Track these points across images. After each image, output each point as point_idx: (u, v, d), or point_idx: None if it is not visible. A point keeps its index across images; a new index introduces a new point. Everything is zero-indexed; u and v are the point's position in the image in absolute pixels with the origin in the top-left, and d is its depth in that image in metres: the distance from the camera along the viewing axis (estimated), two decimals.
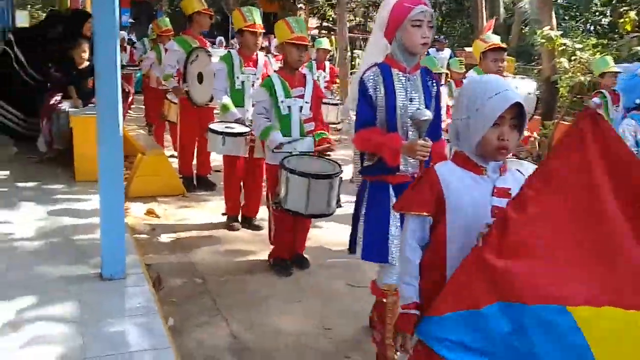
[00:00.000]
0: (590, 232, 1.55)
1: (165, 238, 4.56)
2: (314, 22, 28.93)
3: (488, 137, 1.73)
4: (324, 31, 31.41)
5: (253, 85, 4.71)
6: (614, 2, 17.28)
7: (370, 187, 2.79)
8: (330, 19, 25.93)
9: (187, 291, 3.64)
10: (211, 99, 5.31)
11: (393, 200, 2.70)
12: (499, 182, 1.81)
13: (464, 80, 7.54)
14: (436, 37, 15.08)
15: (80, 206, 4.62)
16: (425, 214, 1.82)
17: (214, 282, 3.79)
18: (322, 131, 4.08)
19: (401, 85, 2.68)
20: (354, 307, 3.54)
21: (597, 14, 18.50)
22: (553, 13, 7.28)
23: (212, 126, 4.52)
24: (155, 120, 7.62)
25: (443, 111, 3.94)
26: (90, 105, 5.90)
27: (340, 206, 3.74)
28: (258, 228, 4.83)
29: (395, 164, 2.62)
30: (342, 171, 3.72)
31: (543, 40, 6.80)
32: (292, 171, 3.52)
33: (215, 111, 5.74)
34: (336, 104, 7.85)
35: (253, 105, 4.52)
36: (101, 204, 3.29)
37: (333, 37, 17.13)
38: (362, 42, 19.15)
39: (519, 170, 1.91)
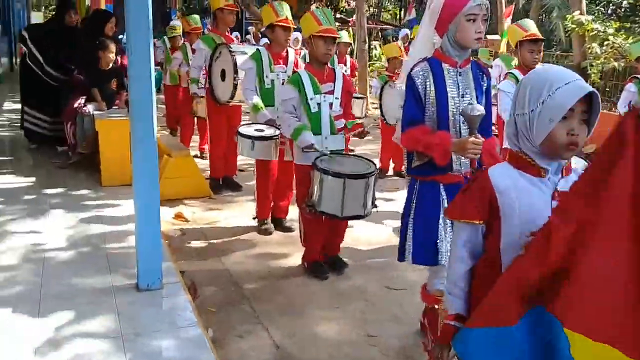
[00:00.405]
0: None
1: (196, 243, 4.47)
2: None
3: (556, 133, 1.56)
4: (337, 23, 31.24)
5: (283, 83, 4.59)
6: None
7: (420, 188, 2.70)
8: (344, 10, 25.66)
9: (224, 299, 3.55)
10: (232, 97, 5.19)
11: (444, 201, 2.62)
12: (562, 184, 1.66)
13: (493, 69, 7.35)
14: None
15: (110, 213, 4.56)
16: (477, 222, 1.68)
17: (250, 289, 3.70)
18: (353, 120, 3.98)
19: (452, 81, 2.59)
20: (395, 312, 3.42)
21: None
22: (584, 3, 7.03)
23: (241, 130, 4.39)
24: (186, 117, 7.53)
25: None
26: (114, 107, 5.84)
27: (376, 206, 3.62)
28: (289, 229, 4.72)
29: (444, 163, 2.53)
30: (377, 169, 3.60)
31: (574, 26, 6.57)
32: (325, 171, 3.39)
33: (244, 108, 5.65)
34: (360, 98, 7.70)
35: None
36: (136, 210, 3.20)
37: (350, 29, 16.95)
38: (378, 33, 18.92)
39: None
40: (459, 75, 2.61)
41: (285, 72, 4.64)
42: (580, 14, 6.75)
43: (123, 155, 5.36)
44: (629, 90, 5.96)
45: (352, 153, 3.95)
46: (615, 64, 6.22)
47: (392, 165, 6.90)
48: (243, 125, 4.53)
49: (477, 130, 2.43)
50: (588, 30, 6.55)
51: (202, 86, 5.85)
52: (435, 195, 2.64)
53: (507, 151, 4.45)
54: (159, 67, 11.38)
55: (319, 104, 3.76)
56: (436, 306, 2.68)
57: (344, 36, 8.76)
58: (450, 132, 2.57)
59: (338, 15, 28.55)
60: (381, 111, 6.55)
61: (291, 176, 4.63)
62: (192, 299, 3.29)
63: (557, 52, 11.93)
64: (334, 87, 3.82)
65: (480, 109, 2.37)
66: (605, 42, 6.32)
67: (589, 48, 6.62)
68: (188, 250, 4.31)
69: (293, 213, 4.81)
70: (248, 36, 19.37)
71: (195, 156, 7.36)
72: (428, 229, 2.62)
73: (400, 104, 5.74)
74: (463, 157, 2.57)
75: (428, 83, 2.56)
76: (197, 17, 7.97)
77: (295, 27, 4.67)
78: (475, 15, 2.49)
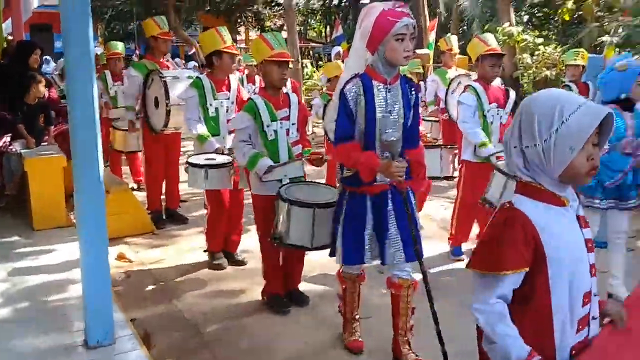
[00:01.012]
0: None
1: (144, 285, 4.17)
2: (253, 33, 28.70)
3: (577, 161, 1.47)
4: None
5: (227, 110, 4.39)
6: None
7: (349, 198, 2.91)
8: (270, 29, 25.72)
9: (182, 347, 3.29)
10: (166, 124, 4.95)
11: (369, 213, 2.87)
12: (580, 209, 1.60)
13: (429, 84, 7.42)
14: None
15: (47, 260, 4.19)
16: (525, 269, 1.50)
17: (209, 332, 3.46)
18: (310, 148, 3.86)
19: (381, 97, 2.72)
20: (368, 344, 3.27)
21: (532, 6, 18.96)
22: (512, 10, 7.25)
23: (191, 160, 4.13)
24: (108, 155, 7.16)
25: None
26: (43, 144, 5.45)
27: None
28: (241, 263, 4.51)
29: (369, 180, 2.72)
30: None
31: (505, 37, 6.74)
32: (293, 202, 3.23)
33: (183, 137, 5.41)
34: None
35: (230, 133, 4.22)
36: (82, 258, 2.92)
37: None
38: (309, 52, 19.00)
39: None
40: (388, 92, 2.74)
41: (229, 98, 4.46)
42: (510, 25, 6.92)
43: (56, 195, 5.02)
44: None
45: (311, 181, 3.78)
46: (548, 72, 6.42)
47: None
48: (192, 155, 4.28)
49: (405, 140, 2.73)
50: (518, 42, 6.73)
51: (139, 115, 5.58)
52: (362, 207, 2.86)
53: (464, 163, 4.43)
54: None
55: (275, 131, 3.61)
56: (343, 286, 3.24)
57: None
58: (377, 151, 2.75)
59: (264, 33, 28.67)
60: (325, 130, 6.45)
61: (241, 208, 4.44)
62: (147, 352, 3.02)
63: None
64: (290, 112, 3.68)
65: (395, 136, 2.58)
66: (536, 52, 6.52)
67: (520, 59, 6.80)
68: (136, 295, 4.01)
69: (243, 245, 4.61)
70: (177, 60, 19.03)
71: (132, 189, 7.03)
72: (356, 239, 2.88)
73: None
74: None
75: (359, 99, 2.70)
76: (117, 43, 7.64)
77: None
78: (403, 35, 2.62)
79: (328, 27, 32.22)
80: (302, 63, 14.18)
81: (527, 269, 1.50)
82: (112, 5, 18.25)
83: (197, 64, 15.09)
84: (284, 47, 3.61)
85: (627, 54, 3.80)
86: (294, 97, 3.77)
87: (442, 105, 7.15)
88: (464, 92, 4.46)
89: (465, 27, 19.19)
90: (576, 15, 14.54)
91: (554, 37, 15.96)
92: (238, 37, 27.42)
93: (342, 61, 12.19)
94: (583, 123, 1.44)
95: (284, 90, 3.76)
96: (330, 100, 6.33)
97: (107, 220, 4.96)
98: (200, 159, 4.15)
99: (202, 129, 4.30)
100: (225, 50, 4.31)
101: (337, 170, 3.08)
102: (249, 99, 3.78)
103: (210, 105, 4.35)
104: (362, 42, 2.72)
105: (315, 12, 33.10)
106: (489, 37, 4.53)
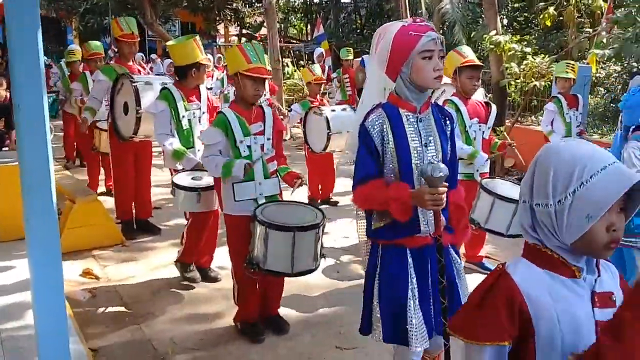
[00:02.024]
0: None
1: (110, 307, 3.86)
2: (233, 29, 28.27)
3: (594, 231, 1.23)
4: (244, 38, 30.81)
5: (200, 121, 4.11)
6: None
7: (383, 253, 2.30)
8: (250, 26, 25.32)
9: None
10: (135, 132, 4.65)
11: (412, 269, 2.24)
12: (599, 285, 1.31)
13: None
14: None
15: (3, 278, 3.86)
16: (505, 343, 1.27)
17: None
18: (286, 166, 3.56)
19: (413, 129, 2.23)
20: None
21: (513, 10, 18.96)
22: (498, 17, 7.07)
23: (178, 181, 3.84)
24: (89, 154, 6.83)
25: None
26: (4, 149, 5.11)
27: (324, 256, 3.23)
28: (215, 280, 4.24)
29: (406, 219, 2.16)
30: (325, 217, 3.21)
31: (492, 46, 6.56)
32: (271, 225, 2.96)
33: (154, 145, 5.11)
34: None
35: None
36: (32, 281, 2.58)
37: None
38: (290, 52, 18.68)
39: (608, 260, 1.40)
40: (420, 122, 2.26)
41: (200, 108, 4.19)
42: (497, 33, 6.75)
43: (16, 205, 4.65)
44: (549, 109, 6.03)
45: (292, 201, 3.50)
46: (537, 83, 6.25)
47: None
48: (177, 175, 3.97)
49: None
50: (505, 50, 6.55)
51: (105, 119, 5.28)
52: (402, 263, 2.25)
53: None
54: (53, 94, 10.47)
55: (249, 147, 3.32)
56: None
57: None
58: (412, 185, 2.20)
59: (244, 31, 28.23)
60: (305, 138, 6.19)
61: (216, 225, 4.15)
62: None
63: None
64: (264, 127, 3.40)
65: (442, 169, 2.02)
66: (525, 62, 6.34)
67: (507, 67, 6.63)
68: (101, 318, 3.70)
69: (217, 260, 4.33)
70: (153, 55, 18.48)
71: (102, 193, 6.70)
72: (397, 304, 2.23)
73: (328, 132, 5.33)
74: (429, 215, 2.22)
75: (385, 133, 2.21)
76: (96, 43, 7.19)
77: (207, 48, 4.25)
78: (431, 52, 2.16)
79: (309, 25, 31.95)
80: (282, 62, 13.87)
81: (509, 344, 1.27)
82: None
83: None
84: (263, 62, 3.30)
85: None
86: (268, 110, 3.49)
87: None
88: (443, 105, 4.25)
89: (444, 29, 19.03)
90: (557, 20, 14.54)
91: (534, 41, 15.93)
92: (218, 40, 27.03)
93: (324, 62, 11.96)
94: (607, 188, 1.20)
95: (258, 102, 3.47)
96: (312, 109, 6.12)
97: (71, 233, 4.73)
98: (186, 180, 3.88)
99: (176, 144, 4.02)
100: (202, 62, 4.09)
101: (358, 224, 2.48)
102: (220, 112, 3.47)
103: (183, 117, 4.08)
104: (380, 68, 2.26)
105: (296, 9, 32.83)
106: (466, 48, 4.36)
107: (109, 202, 6.27)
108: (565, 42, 16.01)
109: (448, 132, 2.34)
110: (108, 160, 6.47)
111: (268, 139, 3.40)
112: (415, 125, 2.24)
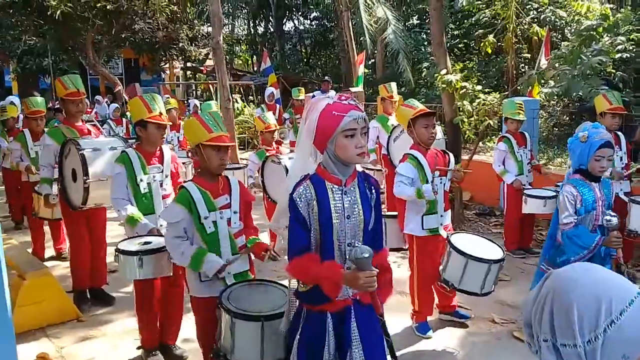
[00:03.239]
0: None
1: None
2: (177, 63, 28.00)
3: None
4: (190, 72, 30.58)
5: (162, 185, 3.92)
6: (467, 26, 18.37)
7: (306, 316, 2.50)
8: (195, 59, 25.13)
9: None
10: (85, 201, 4.42)
11: (331, 333, 2.46)
12: None
13: (370, 131, 7.20)
14: (325, 78, 14.93)
15: None
16: None
17: None
18: (254, 237, 3.37)
19: (337, 201, 2.39)
20: None
21: (452, 37, 19.46)
22: (448, 57, 7.19)
23: (121, 246, 3.59)
24: (30, 221, 6.43)
25: None
26: None
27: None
28: (181, 359, 3.99)
29: (335, 296, 2.39)
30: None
31: (443, 85, 6.65)
32: (237, 315, 2.78)
33: (108, 209, 4.85)
34: (240, 168, 7.07)
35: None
36: None
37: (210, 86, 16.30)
38: (239, 88, 18.56)
39: None
40: (345, 194, 2.41)
41: (162, 171, 4.00)
42: (447, 72, 6.85)
43: None
44: (500, 149, 6.13)
45: (262, 280, 3.32)
46: (490, 121, 6.34)
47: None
48: (123, 241, 3.74)
49: (367, 242, 2.39)
50: (457, 89, 6.64)
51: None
52: (321, 327, 2.45)
53: (411, 237, 4.02)
54: None
55: (214, 222, 3.15)
56: None
57: (172, 102, 9.11)
58: (336, 261, 2.40)
59: (189, 64, 28.00)
60: (264, 188, 6.05)
61: (180, 296, 3.94)
62: None
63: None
64: (230, 199, 3.23)
65: (365, 250, 2.20)
66: (477, 100, 6.44)
67: (460, 106, 6.71)
68: None
69: (183, 332, 4.11)
70: (98, 97, 17.93)
71: (51, 258, 6.35)
72: None
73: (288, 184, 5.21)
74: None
75: (311, 205, 2.37)
76: (37, 99, 6.76)
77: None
78: (354, 131, 2.32)
79: (254, 56, 32.04)
80: (232, 99, 13.72)
81: None
82: (24, 41, 17.09)
83: (123, 102, 14.30)
84: (223, 130, 3.18)
85: (596, 123, 3.67)
86: (234, 181, 3.34)
87: (383, 151, 6.96)
88: (402, 161, 4.21)
89: (392, 60, 19.40)
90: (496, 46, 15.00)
91: (475, 67, 16.40)
92: (163, 75, 26.65)
93: (275, 101, 11.91)
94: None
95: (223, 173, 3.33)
96: (268, 157, 5.99)
97: (22, 311, 4.40)
98: (132, 245, 3.64)
99: (131, 209, 3.81)
100: (149, 120, 3.85)
101: (290, 281, 2.61)
102: (182, 186, 3.28)
103: (141, 180, 3.87)
104: (309, 139, 2.42)
105: (241, 41, 32.88)
106: (414, 101, 4.43)
107: (59, 267, 5.97)
108: (505, 67, 16.58)
109: (373, 201, 2.51)
110: (54, 224, 6.17)
111: (235, 212, 3.23)
112: (340, 197, 2.40)
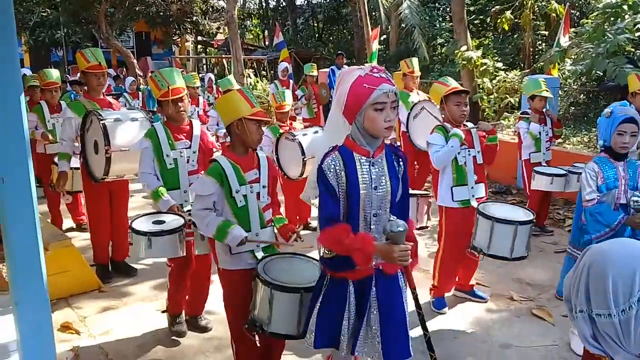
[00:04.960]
0: None
1: None
2: (189, 37, 27.82)
3: None
4: (201, 45, 30.41)
5: (189, 161, 3.92)
6: (484, 2, 18.08)
7: (329, 283, 2.57)
8: (206, 33, 24.95)
9: None
10: (107, 172, 4.44)
11: (352, 297, 2.53)
12: None
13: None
14: (339, 52, 14.78)
15: None
16: None
17: None
18: (281, 216, 3.40)
19: (365, 171, 2.44)
20: None
21: (468, 14, 19.16)
22: (469, 33, 7.09)
23: (135, 224, 3.60)
24: (47, 191, 6.44)
25: None
26: None
27: None
28: (205, 329, 4.05)
29: (366, 267, 2.44)
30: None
31: (464, 62, 6.57)
32: (276, 287, 2.78)
33: (131, 181, 4.88)
34: None
35: (191, 184, 3.78)
36: (21, 340, 2.35)
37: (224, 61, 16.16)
38: (252, 62, 18.45)
39: None
40: (372, 166, 2.45)
41: (190, 147, 3.96)
42: (468, 49, 6.76)
43: None
44: (521, 127, 6.04)
45: (289, 252, 3.33)
46: (511, 99, 6.27)
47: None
48: (138, 217, 3.76)
49: (395, 213, 2.45)
50: (477, 66, 6.56)
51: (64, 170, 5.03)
52: (343, 293, 2.53)
53: (443, 210, 4.08)
54: None
55: (245, 196, 3.15)
56: None
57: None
58: (360, 231, 2.46)
59: (200, 38, 27.82)
60: (279, 165, 6.03)
61: (206, 273, 3.97)
62: None
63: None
64: (260, 173, 3.23)
65: (401, 225, 2.28)
66: (497, 78, 6.37)
67: (480, 83, 6.64)
68: None
69: (207, 305, 4.16)
70: (109, 70, 17.92)
71: (71, 229, 6.41)
72: (332, 326, 2.54)
73: (303, 158, 5.25)
74: None
75: (340, 176, 2.42)
76: (53, 71, 6.69)
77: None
78: (383, 104, 2.34)
79: (266, 31, 31.75)
80: (246, 74, 13.65)
81: None
82: (37, 13, 17.01)
83: (137, 78, 14.27)
84: (257, 103, 3.20)
85: (624, 102, 3.64)
86: (262, 156, 3.33)
87: (402, 128, 6.92)
88: (432, 132, 4.22)
89: (407, 37, 19.16)
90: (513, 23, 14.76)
91: (490, 44, 16.19)
92: (174, 48, 26.49)
93: (288, 77, 11.76)
94: None
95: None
96: (282, 134, 5.96)
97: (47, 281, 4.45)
98: (146, 224, 3.66)
99: (157, 183, 3.83)
100: (162, 98, 3.84)
101: (317, 246, 2.64)
102: (213, 160, 3.28)
103: (167, 156, 3.86)
104: (339, 110, 2.45)
105: (252, 15, 32.55)
106: (448, 78, 4.40)
107: (79, 238, 6.03)
108: (522, 44, 16.34)
109: (400, 174, 2.54)
110: (75, 196, 6.20)
111: (264, 187, 3.23)
112: (368, 169, 2.43)
